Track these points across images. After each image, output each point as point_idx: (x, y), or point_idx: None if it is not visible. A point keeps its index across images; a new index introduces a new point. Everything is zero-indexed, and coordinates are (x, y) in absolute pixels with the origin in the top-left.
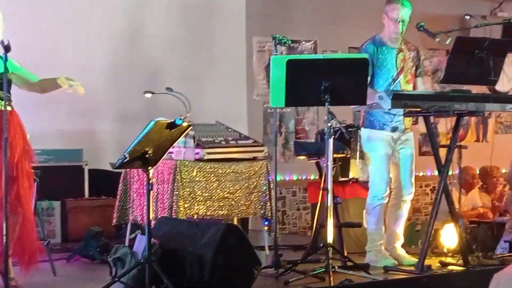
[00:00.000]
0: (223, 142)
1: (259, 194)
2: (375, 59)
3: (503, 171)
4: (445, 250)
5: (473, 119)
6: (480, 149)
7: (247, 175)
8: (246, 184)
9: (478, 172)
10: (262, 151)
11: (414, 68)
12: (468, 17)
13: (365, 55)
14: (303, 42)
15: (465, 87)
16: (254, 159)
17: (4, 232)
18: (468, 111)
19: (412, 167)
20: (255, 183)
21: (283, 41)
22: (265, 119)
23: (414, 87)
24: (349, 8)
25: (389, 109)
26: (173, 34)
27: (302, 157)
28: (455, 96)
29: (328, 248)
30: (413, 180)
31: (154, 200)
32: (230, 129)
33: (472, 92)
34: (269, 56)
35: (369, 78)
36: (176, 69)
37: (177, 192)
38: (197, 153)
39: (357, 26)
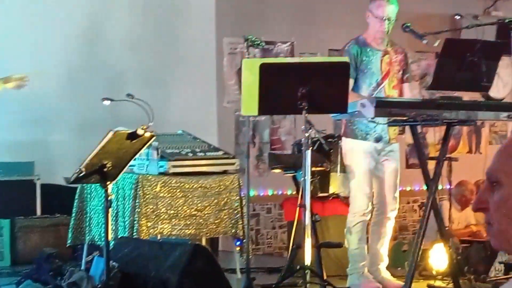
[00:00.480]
0: (190, 154)
1: (230, 211)
2: (358, 62)
3: None
4: (434, 272)
5: (464, 128)
6: (473, 161)
7: (216, 190)
8: (216, 201)
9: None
10: (233, 163)
11: (401, 72)
12: (458, 17)
13: (346, 59)
14: (279, 44)
15: (456, 94)
16: (225, 172)
17: None
18: (459, 120)
19: (396, 181)
20: (226, 199)
21: (256, 42)
22: (237, 128)
23: (401, 94)
24: (329, 7)
25: (372, 118)
26: (135, 35)
27: (277, 171)
28: (444, 104)
29: (306, 271)
30: (397, 195)
31: (113, 218)
32: (198, 140)
33: (463, 99)
34: (241, 59)
35: (352, 82)
36: (138, 73)
37: (139, 210)
38: (161, 166)
39: (339, 26)
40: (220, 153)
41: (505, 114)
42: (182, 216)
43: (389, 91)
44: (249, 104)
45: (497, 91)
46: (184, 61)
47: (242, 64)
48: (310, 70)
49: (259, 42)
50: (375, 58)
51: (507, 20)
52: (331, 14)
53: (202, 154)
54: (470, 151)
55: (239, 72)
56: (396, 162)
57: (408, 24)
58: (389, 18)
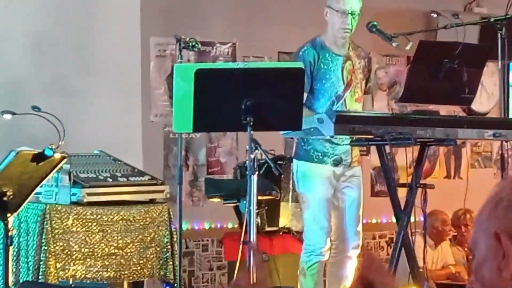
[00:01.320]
0: (110, 180)
1: (158, 249)
2: (315, 70)
3: None
4: None
5: (442, 149)
6: (452, 188)
7: (141, 223)
8: (141, 236)
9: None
10: (162, 191)
11: (364, 81)
12: (435, 15)
13: (300, 64)
14: (218, 45)
15: (432, 107)
16: (152, 202)
17: None
18: (436, 139)
19: (359, 212)
20: (153, 234)
21: (190, 43)
22: (167, 147)
23: (364, 108)
24: (280, 1)
25: (331, 136)
26: (42, 35)
27: (215, 200)
28: (418, 119)
29: None
30: (360, 229)
31: (15, 258)
32: (119, 162)
33: (440, 114)
34: (172, 63)
35: (305, 95)
36: (46, 81)
37: (46, 247)
38: (74, 195)
39: (290, 24)
40: (146, 178)
41: (490, 132)
42: (99, 255)
43: (351, 104)
44: (182, 119)
45: (480, 104)
46: (103, 66)
47: (173, 69)
48: (256, 78)
49: (193, 43)
50: (336, 65)
51: (492, 19)
52: (281, 10)
53: (124, 179)
54: (448, 176)
55: (169, 79)
56: (359, 189)
57: (375, 23)
58: (352, 12)
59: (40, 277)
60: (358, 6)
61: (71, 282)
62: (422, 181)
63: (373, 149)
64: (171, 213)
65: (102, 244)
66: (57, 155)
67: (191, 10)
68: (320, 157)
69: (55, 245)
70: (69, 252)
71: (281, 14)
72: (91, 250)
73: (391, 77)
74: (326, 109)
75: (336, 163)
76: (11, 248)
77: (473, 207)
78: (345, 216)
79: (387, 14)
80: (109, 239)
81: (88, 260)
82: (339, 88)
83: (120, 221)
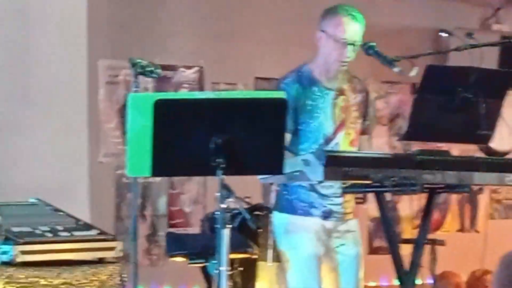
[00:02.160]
0: (49, 235)
1: None
2: (299, 107)
3: None
4: None
5: (454, 196)
6: (467, 244)
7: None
8: None
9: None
10: (113, 248)
11: (361, 120)
12: (445, 34)
13: (282, 93)
14: (182, 70)
15: (442, 146)
16: (101, 261)
17: None
18: (446, 184)
19: (359, 274)
20: None
21: (148, 68)
22: (119, 195)
23: (358, 150)
24: (256, 16)
25: (320, 182)
26: None
27: (179, 259)
28: (425, 161)
29: None
30: None
31: None
32: (60, 213)
33: (452, 155)
34: (126, 91)
35: (287, 136)
36: None
37: None
38: (5, 253)
39: (270, 44)
40: (94, 232)
41: None
42: None
43: (345, 149)
44: (138, 160)
45: (501, 141)
46: (40, 95)
47: (128, 100)
48: (229, 111)
49: (152, 67)
50: (325, 101)
51: None
52: (258, 26)
53: (66, 234)
54: (462, 229)
55: (122, 111)
56: (357, 246)
57: (373, 44)
58: (353, 42)
59: None
60: (360, 35)
61: None
62: (430, 236)
63: (371, 196)
64: (123, 275)
65: None
66: None
67: (149, 28)
68: (307, 207)
69: None
70: None
71: (258, 31)
72: None
73: (392, 109)
74: None
75: (326, 215)
76: None
77: (493, 266)
78: (341, 279)
79: (388, 33)
80: None
81: None
82: (328, 129)
83: (62, 286)
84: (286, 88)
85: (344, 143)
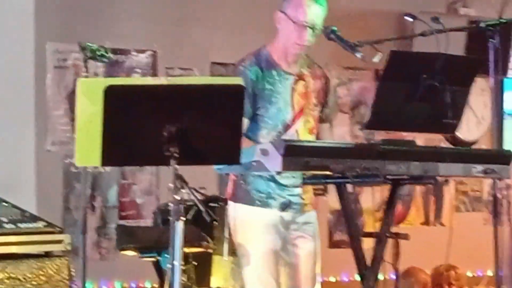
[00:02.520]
0: None
1: None
2: (258, 92)
3: (469, 274)
4: None
5: (418, 188)
6: (432, 238)
7: (34, 283)
8: None
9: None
10: (61, 241)
11: (319, 108)
12: (410, 19)
13: (239, 80)
14: (134, 54)
15: (406, 136)
16: (47, 255)
17: None
18: (411, 175)
19: (315, 268)
20: None
21: (98, 52)
22: (68, 185)
23: (316, 138)
24: (212, 0)
25: (278, 173)
26: None
27: (130, 253)
28: (388, 151)
29: None
30: None
31: None
32: (4, 204)
33: (417, 144)
34: (76, 76)
35: (246, 122)
36: None
37: None
38: None
39: (226, 28)
40: (40, 224)
41: (479, 167)
42: None
43: (303, 136)
44: (87, 149)
45: (468, 131)
46: None
47: (77, 85)
48: (183, 98)
49: (103, 51)
50: (284, 86)
51: (483, 24)
52: (214, 9)
53: (11, 226)
54: (426, 222)
55: (71, 97)
56: (315, 239)
57: (334, 28)
58: (313, 26)
59: None
60: (321, 18)
61: None
62: (393, 229)
63: (331, 188)
64: (71, 269)
65: None
66: None
67: (100, 10)
68: (264, 199)
69: None
70: None
71: (214, 14)
72: None
73: (354, 96)
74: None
75: (284, 207)
76: None
77: (458, 261)
78: (299, 273)
79: (350, 17)
80: None
81: None
82: (287, 115)
83: (7, 280)
84: (244, 71)
85: (303, 131)
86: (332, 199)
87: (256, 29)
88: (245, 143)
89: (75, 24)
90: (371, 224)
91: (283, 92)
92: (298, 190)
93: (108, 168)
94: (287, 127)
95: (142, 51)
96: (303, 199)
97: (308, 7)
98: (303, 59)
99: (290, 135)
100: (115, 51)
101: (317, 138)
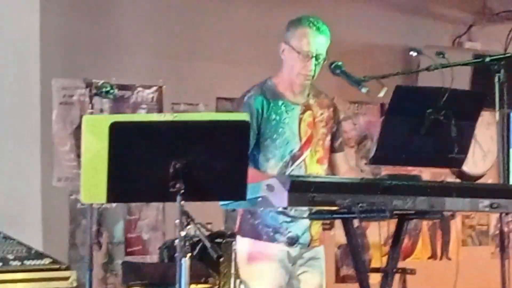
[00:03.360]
0: None
1: None
2: (263, 122)
3: None
4: None
5: (425, 223)
6: (438, 272)
7: None
8: None
9: None
10: (67, 278)
11: (329, 137)
12: (414, 54)
13: (245, 115)
14: (140, 89)
15: (412, 170)
16: None
17: None
18: (417, 210)
19: None
20: None
21: (104, 88)
22: (74, 221)
23: (333, 169)
24: (217, 33)
25: (284, 208)
26: None
27: None
28: (394, 186)
29: None
30: None
31: None
32: (10, 240)
33: (423, 179)
34: (81, 112)
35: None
36: None
37: None
38: None
39: (232, 63)
40: (46, 261)
41: (486, 202)
42: None
43: (311, 167)
44: (93, 185)
45: (474, 164)
46: None
47: (82, 122)
48: (189, 134)
49: (108, 88)
50: (291, 116)
51: (488, 58)
52: (220, 44)
53: (17, 263)
54: (433, 256)
55: (77, 133)
56: (321, 275)
57: (339, 64)
58: (317, 56)
59: None
60: (325, 48)
61: None
62: (400, 264)
63: (338, 222)
64: None
65: None
66: None
67: (105, 46)
68: (271, 234)
69: None
70: None
71: (220, 49)
72: None
73: (360, 130)
74: (279, 171)
75: (291, 242)
76: None
77: None
78: None
79: (355, 51)
80: None
81: None
82: (295, 145)
83: None
84: (250, 102)
85: (311, 161)
86: (339, 234)
87: (262, 63)
88: (252, 173)
89: (80, 60)
90: (378, 258)
91: (290, 122)
92: (306, 225)
93: (114, 204)
94: (294, 157)
95: (148, 87)
96: (311, 234)
97: (312, 37)
98: (309, 89)
99: (297, 165)
100: (120, 87)
101: (332, 168)
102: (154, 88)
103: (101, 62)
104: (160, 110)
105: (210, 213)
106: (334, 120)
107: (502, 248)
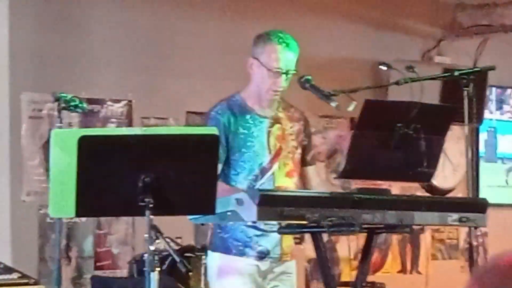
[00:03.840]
0: None
1: None
2: (231, 136)
3: None
4: None
5: (395, 237)
6: (408, 286)
7: None
8: None
9: None
10: None
11: (299, 150)
12: (384, 68)
13: (214, 130)
14: (109, 103)
15: (382, 184)
16: None
17: None
18: (386, 224)
19: None
20: None
21: (73, 102)
22: (43, 235)
23: (305, 182)
24: (187, 50)
25: (254, 222)
26: None
27: None
28: (363, 200)
29: None
30: None
31: None
32: None
33: (392, 193)
34: (50, 127)
35: (220, 167)
36: None
37: None
38: None
39: (201, 77)
40: (15, 276)
41: (455, 216)
42: None
43: (281, 180)
44: (61, 200)
45: (444, 178)
46: None
47: (51, 136)
48: (158, 148)
49: (77, 102)
50: (259, 129)
51: (457, 73)
52: (189, 58)
53: None
54: (403, 270)
55: (46, 147)
56: None
57: (309, 78)
58: (287, 72)
59: None
60: (294, 63)
61: None
62: (369, 278)
63: (308, 236)
64: None
65: None
66: None
67: (75, 60)
68: (241, 248)
69: None
70: None
71: (190, 64)
72: None
73: (330, 144)
74: (247, 185)
75: (262, 255)
76: None
77: None
78: None
79: (325, 65)
80: None
81: None
82: (264, 158)
83: None
84: (216, 117)
85: (280, 174)
86: (309, 248)
87: (231, 78)
88: (220, 189)
89: (50, 74)
90: (347, 273)
91: (259, 135)
92: (278, 238)
93: (83, 218)
94: (264, 170)
95: (118, 101)
96: (282, 248)
97: (281, 53)
98: (278, 103)
99: (267, 178)
100: (90, 101)
101: (304, 181)
102: (124, 102)
103: (71, 76)
104: (130, 124)
105: (181, 228)
106: (305, 134)
107: (471, 262)
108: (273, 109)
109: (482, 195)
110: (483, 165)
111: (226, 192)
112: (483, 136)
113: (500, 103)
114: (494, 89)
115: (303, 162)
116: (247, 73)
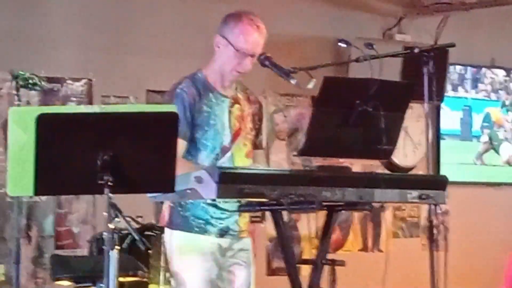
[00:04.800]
0: None
1: None
2: (196, 113)
3: None
4: None
5: (356, 215)
6: (369, 264)
7: None
8: None
9: None
10: None
11: (253, 132)
12: (344, 45)
13: (173, 107)
14: (69, 82)
15: (343, 162)
16: None
17: None
18: (347, 202)
19: None
20: None
21: (31, 80)
22: (2, 214)
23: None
24: (147, 28)
25: (213, 200)
26: None
27: (65, 283)
28: (323, 178)
29: None
30: None
31: None
32: None
33: (352, 171)
34: (10, 106)
35: (183, 145)
36: None
37: None
38: None
39: (162, 55)
40: None
41: (415, 193)
42: None
43: (239, 160)
44: (20, 178)
45: (405, 156)
46: None
47: (8, 114)
48: (117, 126)
49: (36, 80)
50: (221, 108)
51: (417, 50)
52: (150, 37)
53: None
54: (364, 248)
55: (5, 126)
56: (250, 267)
57: (268, 55)
58: (254, 54)
59: None
60: (261, 47)
61: None
62: (330, 256)
63: (268, 215)
64: None
65: None
66: None
67: (34, 39)
68: (202, 226)
69: None
70: None
71: (150, 42)
72: None
73: (291, 123)
74: (209, 164)
75: (223, 232)
76: None
77: (395, 287)
78: None
79: (284, 43)
80: None
81: None
82: (224, 137)
83: None
84: (182, 94)
85: (239, 154)
86: (270, 226)
87: (191, 57)
88: (182, 166)
89: (9, 53)
90: (309, 250)
91: (220, 114)
92: (236, 217)
93: (44, 197)
94: (225, 149)
95: (78, 80)
96: (239, 225)
97: (251, 35)
98: (236, 83)
99: (227, 158)
100: (49, 80)
101: (252, 164)
102: (84, 81)
103: (30, 55)
104: (90, 103)
105: (142, 206)
106: (258, 117)
107: (432, 240)
108: (232, 88)
109: (453, 173)
110: (458, 143)
111: (189, 169)
112: (458, 115)
113: (475, 82)
114: (469, 68)
115: (254, 145)
116: (208, 51)
